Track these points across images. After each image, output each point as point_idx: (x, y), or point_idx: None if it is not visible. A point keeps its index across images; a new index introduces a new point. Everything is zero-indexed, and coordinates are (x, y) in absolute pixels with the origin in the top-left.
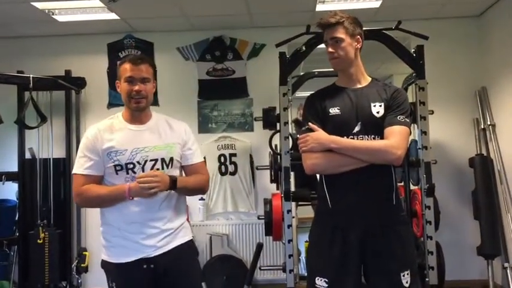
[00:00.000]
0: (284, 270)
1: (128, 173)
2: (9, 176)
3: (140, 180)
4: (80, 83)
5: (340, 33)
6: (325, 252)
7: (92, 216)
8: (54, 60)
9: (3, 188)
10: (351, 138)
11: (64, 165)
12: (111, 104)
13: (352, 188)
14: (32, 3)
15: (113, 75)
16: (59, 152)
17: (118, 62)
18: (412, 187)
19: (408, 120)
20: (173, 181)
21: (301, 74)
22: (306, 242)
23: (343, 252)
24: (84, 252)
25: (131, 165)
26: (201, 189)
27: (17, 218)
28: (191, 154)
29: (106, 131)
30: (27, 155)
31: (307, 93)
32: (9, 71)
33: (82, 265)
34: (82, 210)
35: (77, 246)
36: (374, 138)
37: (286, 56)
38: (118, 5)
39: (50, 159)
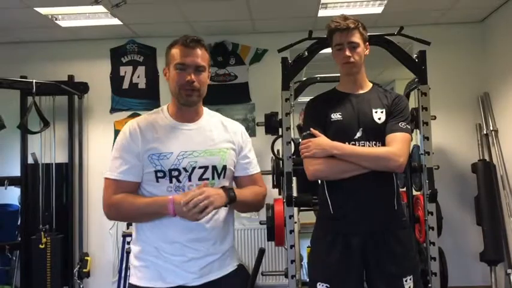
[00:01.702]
0: (286, 276)
1: (171, 181)
2: (12, 181)
3: (188, 206)
4: (82, 88)
5: (357, 38)
6: (327, 257)
7: (93, 222)
8: (57, 65)
9: (6, 192)
10: (352, 144)
11: (66, 170)
12: (114, 109)
13: (354, 194)
14: (36, 8)
15: (115, 80)
16: (61, 157)
17: (168, 46)
18: (414, 193)
19: (409, 127)
20: (230, 192)
21: (304, 79)
22: (308, 247)
23: (345, 257)
24: (86, 257)
25: (176, 172)
26: (258, 205)
27: (19, 223)
28: (248, 163)
29: (148, 127)
30: (30, 160)
31: (310, 99)
32: (12, 76)
33: (84, 270)
34: (84, 215)
35: (78, 251)
36: (375, 145)
37: (289, 61)
38: (121, 11)
39: (52, 164)
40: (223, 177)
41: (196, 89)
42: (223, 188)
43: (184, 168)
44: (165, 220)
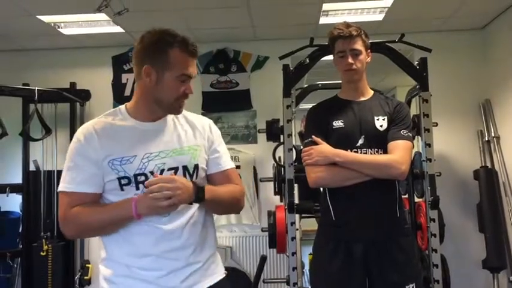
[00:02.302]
0: (288, 283)
1: (138, 188)
2: (14, 188)
3: (152, 188)
4: (84, 96)
5: (359, 46)
6: (329, 264)
7: None
8: (59, 73)
9: (8, 200)
10: (354, 151)
11: None
12: None
13: (356, 201)
14: (38, 16)
15: (117, 87)
16: (63, 164)
17: (158, 40)
18: (416, 199)
19: (411, 134)
20: (199, 189)
21: (305, 86)
22: (309, 254)
23: (347, 265)
24: (87, 265)
25: (142, 177)
26: (236, 204)
27: (20, 230)
28: (219, 158)
29: (105, 130)
30: (32, 167)
31: (311, 105)
32: (14, 84)
33: (85, 277)
34: None
35: (80, 259)
36: (377, 152)
37: (290, 68)
38: (123, 19)
39: (54, 171)
40: (196, 178)
41: (187, 97)
42: (193, 182)
43: (151, 172)
44: (133, 229)
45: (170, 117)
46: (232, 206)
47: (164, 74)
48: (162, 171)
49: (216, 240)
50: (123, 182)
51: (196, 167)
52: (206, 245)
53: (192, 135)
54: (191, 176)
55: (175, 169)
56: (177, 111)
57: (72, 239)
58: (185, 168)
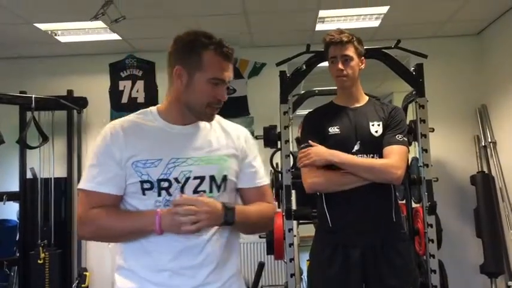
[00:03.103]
0: None
1: (159, 195)
2: (10, 196)
3: (177, 209)
4: (81, 103)
5: (351, 52)
6: (327, 270)
7: None
8: (57, 81)
9: (4, 208)
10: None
11: (65, 184)
12: None
13: (352, 206)
14: (35, 24)
15: (114, 94)
16: (60, 172)
17: (191, 41)
18: (413, 205)
19: (406, 139)
20: (228, 211)
21: (302, 92)
22: (307, 260)
23: (345, 270)
24: (84, 273)
25: (166, 183)
26: (265, 225)
27: (17, 238)
28: (254, 173)
29: (133, 130)
30: (29, 175)
31: (308, 111)
32: (11, 91)
33: (82, 285)
34: None
35: (77, 267)
36: (373, 157)
37: (287, 74)
38: (120, 26)
39: (51, 178)
40: (224, 190)
41: (221, 105)
42: (222, 204)
43: (176, 179)
44: (152, 240)
45: (203, 123)
46: (262, 226)
47: (195, 76)
48: (187, 179)
49: (239, 260)
50: (145, 186)
51: (224, 178)
52: (228, 263)
53: (225, 144)
54: (218, 188)
55: (202, 178)
56: (208, 118)
57: (86, 240)
58: (212, 178)
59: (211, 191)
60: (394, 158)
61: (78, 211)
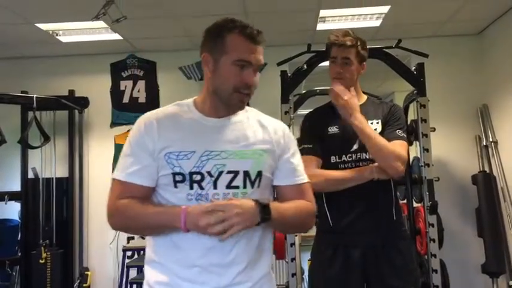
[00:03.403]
0: None
1: (191, 187)
2: (12, 196)
3: (209, 221)
4: (83, 103)
5: (352, 56)
6: (328, 270)
7: (94, 236)
8: (58, 80)
9: (6, 207)
10: (349, 156)
11: (67, 184)
12: (114, 124)
13: (352, 206)
14: (37, 24)
15: (115, 94)
16: (61, 172)
17: (217, 26)
18: (415, 205)
19: (405, 136)
20: (264, 208)
21: (303, 92)
22: (309, 260)
23: (346, 270)
24: (86, 272)
25: (198, 177)
26: (304, 223)
27: (19, 238)
28: (292, 170)
29: (167, 121)
30: (30, 175)
31: (308, 111)
32: (13, 91)
33: (84, 285)
34: (84, 230)
35: (79, 266)
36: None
37: (288, 74)
38: (121, 26)
39: (52, 178)
40: (258, 186)
41: (251, 92)
42: (256, 201)
43: (209, 172)
44: (182, 235)
45: (239, 116)
46: (300, 225)
47: (220, 60)
48: (220, 173)
49: (271, 260)
50: (177, 178)
51: (259, 174)
52: (260, 263)
53: (261, 138)
54: (252, 184)
55: (235, 173)
56: (237, 105)
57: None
58: (246, 173)
59: (244, 187)
60: (397, 149)
61: (109, 201)
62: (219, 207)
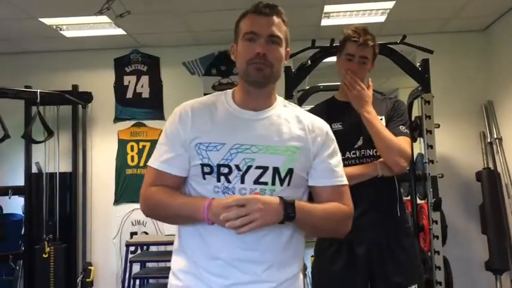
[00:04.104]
0: None
1: (219, 180)
2: (16, 190)
3: (227, 215)
4: (86, 98)
5: (370, 56)
6: (332, 266)
7: (97, 231)
8: (62, 75)
9: (10, 202)
10: (353, 152)
11: (70, 179)
12: (118, 119)
13: (356, 203)
14: (40, 19)
15: (119, 89)
16: (65, 166)
17: (239, 17)
18: (418, 201)
19: (408, 132)
20: (288, 206)
21: (307, 88)
22: (312, 256)
23: (350, 267)
24: (89, 267)
25: (226, 169)
26: (337, 227)
27: (22, 233)
28: (328, 170)
29: (202, 112)
30: (34, 169)
31: (312, 107)
32: (16, 86)
33: (87, 280)
34: (88, 225)
35: (82, 261)
36: (376, 152)
37: (292, 70)
38: (125, 21)
39: (56, 173)
40: (288, 184)
41: (269, 63)
42: (280, 199)
43: (237, 166)
44: (208, 226)
45: (276, 110)
46: (331, 229)
47: (238, 44)
48: (248, 168)
49: (302, 262)
50: (205, 170)
51: (290, 171)
52: (287, 265)
53: (296, 135)
54: (282, 181)
55: (265, 169)
56: (253, 76)
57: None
58: (276, 170)
59: (273, 184)
60: (402, 145)
61: (142, 187)
62: (241, 202)
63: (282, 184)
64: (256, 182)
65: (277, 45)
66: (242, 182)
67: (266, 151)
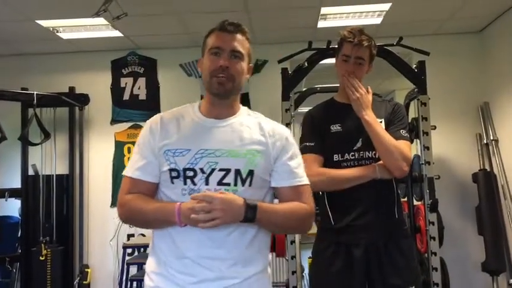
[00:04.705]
0: (287, 287)
1: (185, 183)
2: (13, 193)
3: (194, 206)
4: (83, 100)
5: (366, 56)
6: (329, 268)
7: (94, 233)
8: (58, 77)
9: (6, 204)
10: (352, 154)
11: (67, 181)
12: (115, 121)
13: (354, 205)
14: (37, 21)
15: (116, 91)
16: (62, 169)
17: (205, 36)
18: (415, 203)
19: (408, 135)
20: (249, 209)
21: (304, 89)
22: (309, 258)
23: (347, 268)
24: (86, 269)
25: (191, 173)
26: (298, 225)
27: (19, 235)
28: (289, 172)
29: (171, 122)
30: (31, 172)
31: (309, 109)
32: (13, 88)
33: (84, 282)
34: (84, 227)
35: (79, 263)
36: (375, 154)
37: (288, 72)
38: (122, 23)
39: (53, 175)
40: (249, 185)
41: (231, 77)
42: (244, 201)
43: (202, 169)
44: (178, 228)
45: (238, 118)
46: (293, 227)
47: (204, 58)
48: (212, 171)
49: (267, 259)
50: (173, 174)
51: (250, 173)
52: (252, 262)
53: (257, 140)
54: (243, 182)
55: (227, 171)
56: (215, 87)
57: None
58: (237, 172)
59: (235, 185)
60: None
61: (118, 194)
62: (207, 198)
63: (243, 185)
64: (220, 183)
65: (239, 60)
66: (207, 183)
67: (228, 155)
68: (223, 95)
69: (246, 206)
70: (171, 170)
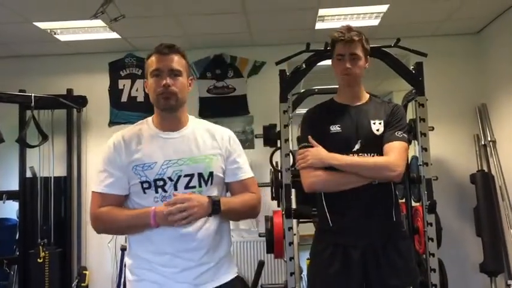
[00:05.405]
0: None
1: (157, 192)
2: (10, 195)
3: (171, 209)
4: (81, 102)
5: (359, 51)
6: (327, 269)
7: (92, 235)
8: (56, 79)
9: (4, 206)
10: (351, 156)
11: (65, 183)
12: (113, 123)
13: (352, 206)
14: (35, 23)
15: (114, 93)
16: (60, 171)
17: (145, 58)
18: (413, 204)
19: (406, 136)
20: (214, 203)
21: (302, 91)
22: (307, 259)
23: (345, 269)
24: (84, 271)
25: (161, 182)
26: (251, 211)
27: (17, 237)
28: (237, 169)
29: (132, 139)
30: (28, 174)
31: (308, 108)
32: (11, 90)
33: (82, 284)
34: (82, 229)
35: (77, 265)
36: (373, 156)
37: (286, 73)
38: (119, 25)
39: (51, 177)
40: (211, 184)
41: (174, 93)
42: (209, 197)
43: (170, 178)
44: (153, 230)
45: (191, 128)
46: (247, 213)
47: (148, 80)
48: (179, 177)
49: (230, 243)
50: (144, 185)
51: (211, 174)
52: (219, 247)
53: (210, 145)
54: (206, 182)
55: (191, 176)
56: (162, 104)
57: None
58: (200, 175)
59: (200, 186)
60: (394, 155)
61: (90, 210)
62: (179, 200)
63: (206, 185)
64: (187, 187)
65: (178, 77)
66: (175, 189)
67: (190, 162)
68: (170, 109)
69: (212, 202)
70: (142, 182)
